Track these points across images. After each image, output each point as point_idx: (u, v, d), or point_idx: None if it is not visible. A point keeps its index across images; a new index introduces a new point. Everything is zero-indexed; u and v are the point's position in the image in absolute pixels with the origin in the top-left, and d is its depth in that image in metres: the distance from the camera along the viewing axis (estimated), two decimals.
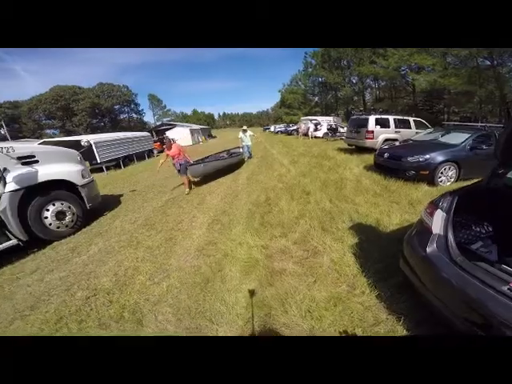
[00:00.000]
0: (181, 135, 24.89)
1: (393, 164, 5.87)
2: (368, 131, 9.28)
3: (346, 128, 13.68)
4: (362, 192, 5.06)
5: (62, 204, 4.31)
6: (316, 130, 19.59)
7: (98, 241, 4.08)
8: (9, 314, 2.50)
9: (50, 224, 4.11)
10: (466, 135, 5.60)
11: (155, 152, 19.09)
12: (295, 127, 27.44)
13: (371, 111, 27.02)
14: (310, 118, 23.27)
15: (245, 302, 2.36)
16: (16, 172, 3.69)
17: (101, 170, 12.37)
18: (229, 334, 2.02)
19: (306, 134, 20.27)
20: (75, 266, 3.34)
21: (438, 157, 5.23)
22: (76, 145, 6.84)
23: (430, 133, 7.15)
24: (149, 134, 20.05)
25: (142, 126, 65.35)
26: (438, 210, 1.94)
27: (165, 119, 72.54)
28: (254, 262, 2.96)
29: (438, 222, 1.90)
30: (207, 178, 7.49)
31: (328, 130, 18.73)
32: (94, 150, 11.67)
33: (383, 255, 2.77)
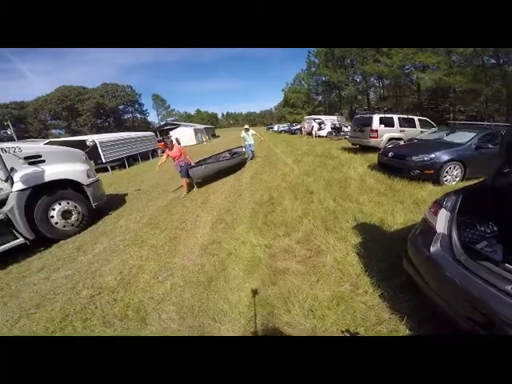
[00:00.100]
0: (185, 135, 25.06)
1: (397, 163, 5.82)
2: (372, 130, 9.22)
3: (349, 127, 13.61)
4: (366, 191, 5.03)
5: (68, 203, 4.37)
6: (320, 129, 19.51)
7: (103, 239, 4.13)
8: (15, 313, 2.55)
9: (57, 223, 4.17)
10: (472, 134, 5.54)
11: (159, 152, 19.15)
12: (299, 126, 27.37)
13: (375, 110, 26.80)
14: (313, 117, 23.13)
15: (248, 301, 2.37)
16: (23, 172, 3.75)
17: (106, 169, 12.48)
18: (231, 333, 2.04)
19: (309, 133, 20.20)
20: (80, 265, 3.39)
21: (443, 156, 5.18)
22: (81, 145, 6.90)
23: (435, 132, 7.07)
24: (153, 133, 20.16)
25: (146, 125, 65.74)
26: (442, 209, 1.93)
27: (169, 119, 73.07)
28: (257, 261, 2.97)
29: (441, 222, 1.88)
30: (211, 178, 7.50)
31: (332, 129, 18.70)
32: (99, 149, 11.80)
33: (387, 254, 2.76)
